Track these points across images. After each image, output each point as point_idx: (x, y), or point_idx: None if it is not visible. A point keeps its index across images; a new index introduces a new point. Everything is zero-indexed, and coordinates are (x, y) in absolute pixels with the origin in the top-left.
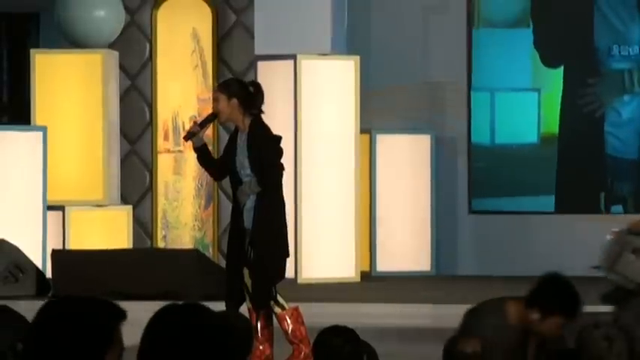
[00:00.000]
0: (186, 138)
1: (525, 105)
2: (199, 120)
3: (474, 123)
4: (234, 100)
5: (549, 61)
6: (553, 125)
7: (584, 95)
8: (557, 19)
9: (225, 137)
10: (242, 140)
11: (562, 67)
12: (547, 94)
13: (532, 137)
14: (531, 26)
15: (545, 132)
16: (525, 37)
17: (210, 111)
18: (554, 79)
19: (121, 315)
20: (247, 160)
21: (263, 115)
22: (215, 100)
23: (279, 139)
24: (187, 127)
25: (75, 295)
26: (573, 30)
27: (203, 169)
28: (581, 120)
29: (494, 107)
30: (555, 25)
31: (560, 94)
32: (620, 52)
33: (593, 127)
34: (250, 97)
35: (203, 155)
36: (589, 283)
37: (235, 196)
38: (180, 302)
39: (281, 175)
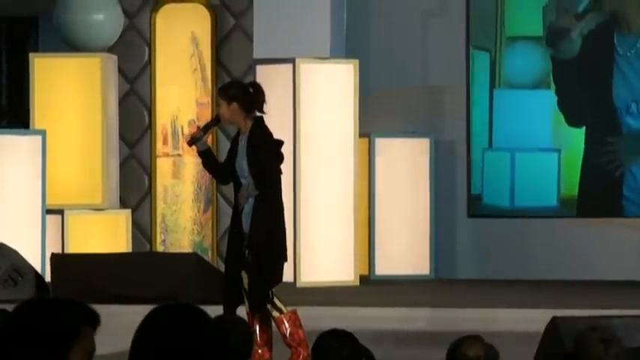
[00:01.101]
0: (190, 143)
1: (545, 166)
2: (202, 124)
3: (493, 184)
4: (234, 104)
5: (572, 121)
6: (573, 187)
7: (605, 153)
8: (579, 77)
9: (224, 142)
10: (242, 142)
11: (584, 127)
12: (567, 155)
13: (552, 200)
14: (552, 87)
15: (564, 194)
16: (546, 97)
17: (209, 116)
18: (575, 139)
19: (90, 316)
20: (246, 163)
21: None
22: (218, 104)
23: (280, 143)
24: (186, 131)
25: (49, 298)
26: (594, 88)
27: (202, 173)
28: (600, 181)
29: (514, 168)
30: (577, 84)
31: (582, 154)
32: (638, 109)
33: (612, 190)
34: (250, 98)
35: (207, 159)
36: (588, 288)
37: (236, 199)
38: (175, 303)
39: (278, 179)
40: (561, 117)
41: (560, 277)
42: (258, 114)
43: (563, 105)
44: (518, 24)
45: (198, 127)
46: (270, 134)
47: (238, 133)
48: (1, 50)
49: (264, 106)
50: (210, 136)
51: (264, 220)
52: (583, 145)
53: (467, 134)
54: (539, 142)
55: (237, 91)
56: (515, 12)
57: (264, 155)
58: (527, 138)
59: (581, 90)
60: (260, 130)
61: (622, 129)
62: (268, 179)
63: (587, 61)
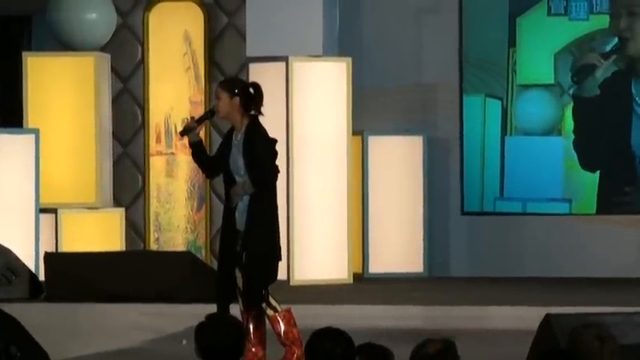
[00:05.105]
0: (183, 133)
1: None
2: (197, 116)
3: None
4: (236, 99)
5: (586, 164)
6: None
7: (621, 204)
8: (597, 119)
9: (217, 139)
10: (238, 140)
11: (598, 174)
12: (578, 205)
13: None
14: (563, 134)
15: None
16: (557, 145)
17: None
18: (587, 189)
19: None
20: (242, 160)
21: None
22: (216, 97)
23: (274, 141)
24: (180, 129)
25: None
26: (611, 133)
27: (196, 172)
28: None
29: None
30: (595, 126)
31: (595, 205)
32: None
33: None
34: (250, 97)
35: (198, 151)
36: (582, 286)
37: (228, 196)
38: None
39: (275, 178)
40: (573, 163)
41: (554, 275)
42: (253, 113)
43: (578, 145)
44: (529, 72)
45: (192, 118)
46: (267, 133)
47: (231, 130)
48: None
49: (262, 108)
50: (202, 129)
51: (261, 218)
52: (597, 194)
53: (460, 132)
54: (550, 192)
55: (240, 88)
56: (526, 60)
57: (263, 153)
58: (537, 187)
59: (598, 133)
60: (257, 128)
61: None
62: (266, 177)
63: (606, 104)
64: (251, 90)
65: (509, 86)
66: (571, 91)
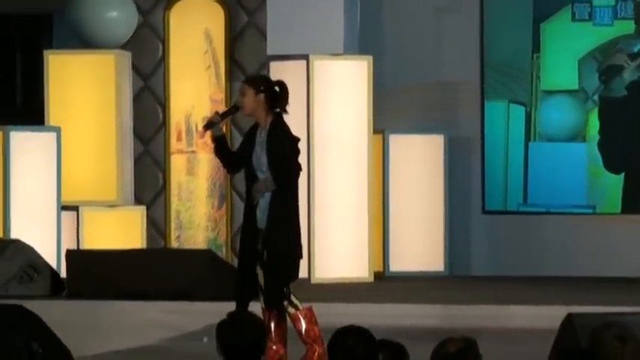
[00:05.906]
0: (206, 127)
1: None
2: (221, 110)
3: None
4: (261, 96)
5: (610, 166)
6: None
7: None
8: (623, 121)
9: (237, 136)
10: (262, 137)
11: (623, 176)
12: (602, 212)
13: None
14: (586, 140)
15: None
16: (581, 151)
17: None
18: (612, 192)
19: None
20: (265, 157)
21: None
22: (241, 93)
23: (297, 139)
24: (200, 127)
25: None
26: (636, 136)
27: (216, 170)
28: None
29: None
30: (621, 128)
31: (619, 209)
32: None
33: None
34: (275, 95)
35: (220, 146)
36: (604, 285)
37: (249, 194)
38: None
39: (298, 176)
40: (597, 169)
41: (576, 274)
42: (277, 111)
43: (603, 147)
44: (553, 78)
45: (216, 113)
46: (290, 131)
47: (254, 127)
48: (15, 48)
49: (287, 106)
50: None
51: (282, 216)
52: (620, 200)
53: (481, 130)
54: (574, 199)
55: (265, 85)
56: (550, 65)
57: (286, 151)
58: (561, 194)
59: (624, 134)
60: (281, 125)
61: None
62: (288, 175)
63: (632, 105)
64: (276, 88)
65: (533, 92)
66: (596, 96)
